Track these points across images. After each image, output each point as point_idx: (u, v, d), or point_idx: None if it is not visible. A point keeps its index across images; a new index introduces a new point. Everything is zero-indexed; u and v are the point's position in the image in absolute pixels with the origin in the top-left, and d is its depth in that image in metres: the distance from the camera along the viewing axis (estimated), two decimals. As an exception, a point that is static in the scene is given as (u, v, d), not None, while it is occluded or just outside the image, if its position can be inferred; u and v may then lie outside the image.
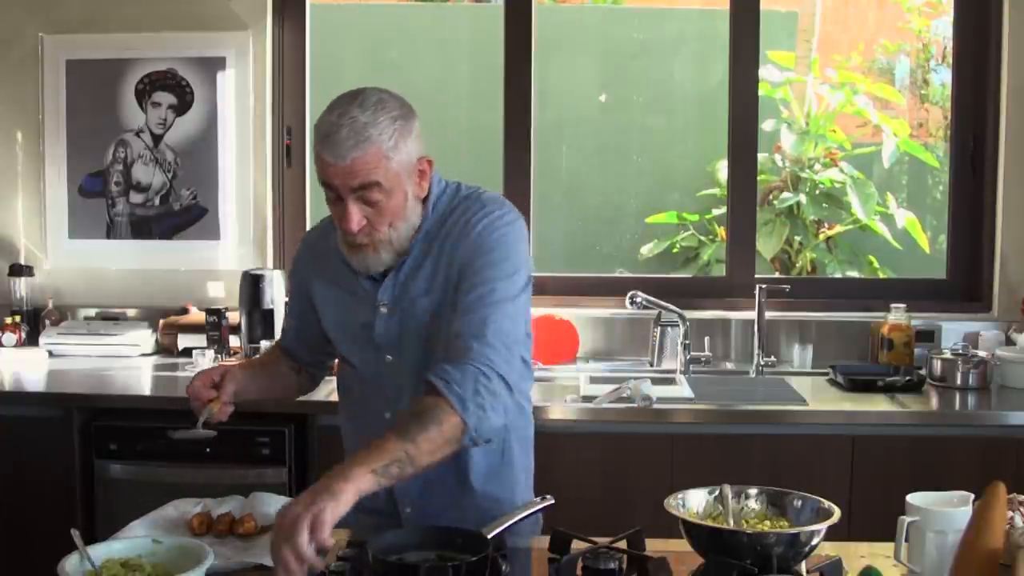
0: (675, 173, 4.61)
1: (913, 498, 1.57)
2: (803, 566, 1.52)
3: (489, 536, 1.54)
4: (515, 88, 3.59)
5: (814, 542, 1.50)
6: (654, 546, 1.63)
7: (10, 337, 3.44)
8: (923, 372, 3.12)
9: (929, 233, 4.44)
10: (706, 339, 3.40)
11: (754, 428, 2.78)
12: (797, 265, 4.51)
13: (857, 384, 3.02)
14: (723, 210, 3.97)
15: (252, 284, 3.28)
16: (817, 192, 4.49)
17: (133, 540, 1.61)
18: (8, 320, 3.48)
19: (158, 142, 3.59)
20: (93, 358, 3.35)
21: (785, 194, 4.46)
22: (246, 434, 2.78)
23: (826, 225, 4.55)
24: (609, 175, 4.58)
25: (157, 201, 3.61)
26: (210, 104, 3.57)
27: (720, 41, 3.67)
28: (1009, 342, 3.26)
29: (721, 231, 4.29)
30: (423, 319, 1.79)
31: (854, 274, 4.43)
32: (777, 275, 4.27)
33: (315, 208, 3.60)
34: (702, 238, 4.46)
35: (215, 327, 3.28)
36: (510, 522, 1.62)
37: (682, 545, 1.57)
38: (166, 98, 3.58)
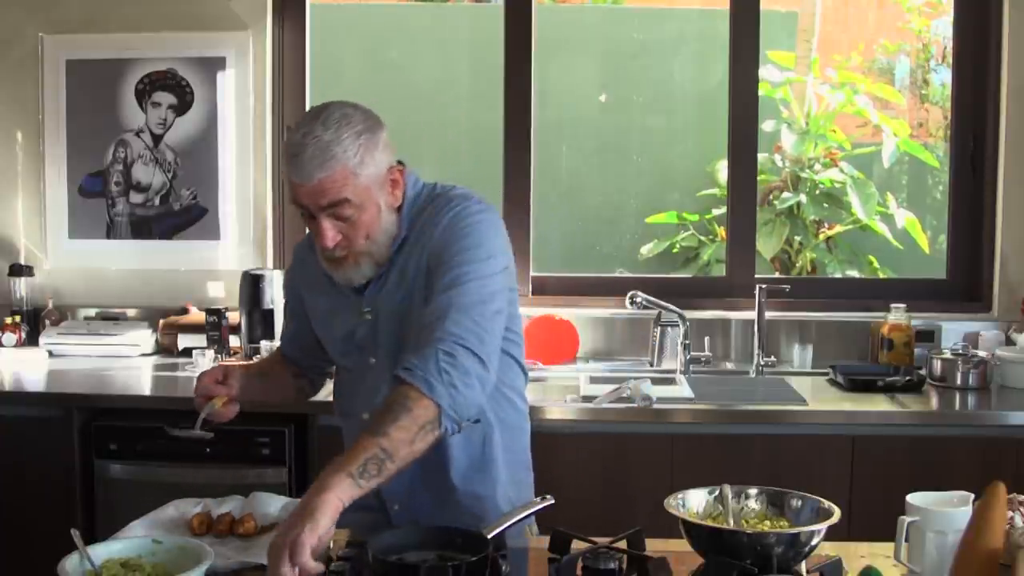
0: (675, 173, 4.60)
1: (913, 498, 1.57)
2: (803, 566, 1.52)
3: (489, 536, 1.54)
4: (515, 88, 3.59)
5: (814, 542, 1.50)
6: (654, 546, 1.62)
7: (10, 337, 3.44)
8: (923, 372, 3.12)
9: (929, 233, 4.43)
10: (706, 339, 3.40)
11: (754, 428, 2.78)
12: (797, 265, 4.51)
13: (857, 384, 3.01)
14: (723, 210, 3.97)
15: (252, 284, 3.28)
16: (817, 192, 4.48)
17: (133, 540, 1.61)
18: (8, 320, 3.48)
19: (158, 142, 3.59)
20: (93, 358, 3.35)
21: (785, 194, 4.46)
22: (246, 434, 2.77)
23: (826, 225, 4.54)
24: (609, 175, 4.57)
25: (157, 201, 3.61)
26: (210, 104, 3.57)
27: (720, 41, 3.67)
28: (1009, 342, 3.26)
29: (721, 231, 4.29)
30: (402, 317, 1.79)
31: (854, 274, 4.43)
32: (777, 275, 4.26)
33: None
34: (702, 238, 4.46)
35: (215, 327, 3.28)
36: (510, 522, 1.61)
37: (682, 545, 1.57)
38: (166, 98, 3.58)
